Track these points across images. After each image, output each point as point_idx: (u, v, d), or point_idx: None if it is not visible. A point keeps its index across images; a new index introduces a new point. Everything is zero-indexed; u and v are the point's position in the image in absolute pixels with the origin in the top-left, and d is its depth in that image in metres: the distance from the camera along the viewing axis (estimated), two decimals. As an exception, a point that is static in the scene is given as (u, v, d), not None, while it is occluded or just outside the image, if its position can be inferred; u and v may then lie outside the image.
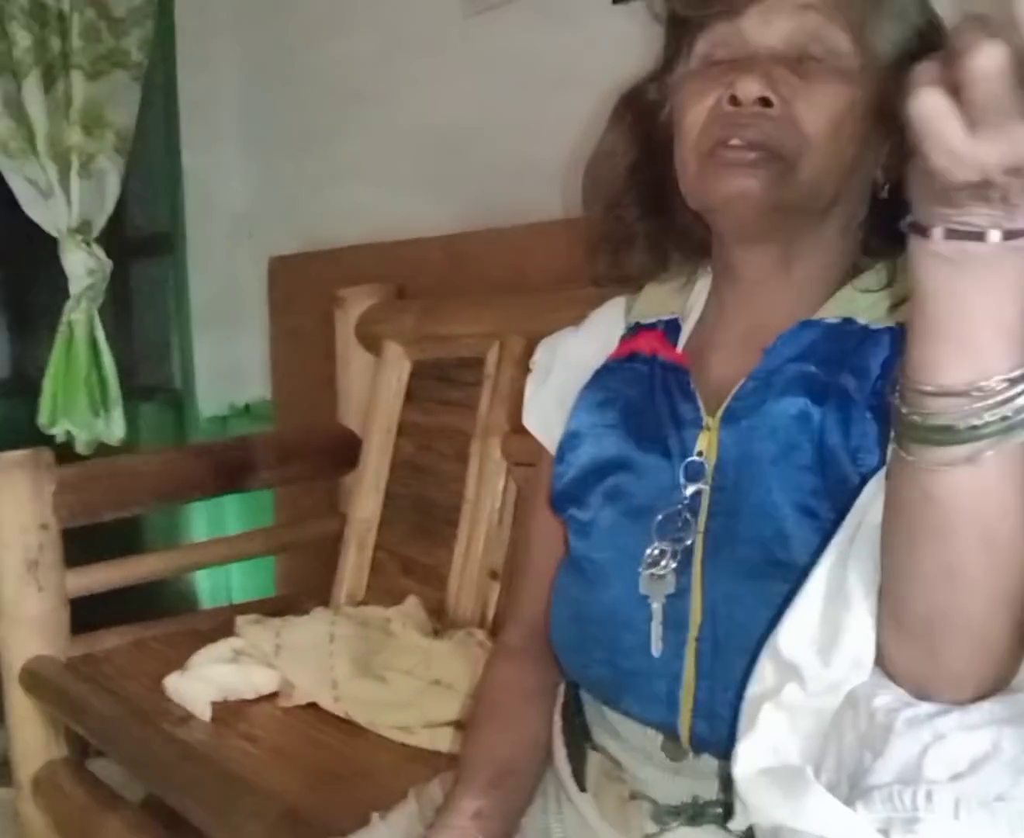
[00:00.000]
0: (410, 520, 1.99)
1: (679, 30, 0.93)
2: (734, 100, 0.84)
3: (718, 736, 0.83)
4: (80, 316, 2.67)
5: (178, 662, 1.68)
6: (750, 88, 0.83)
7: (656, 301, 1.02)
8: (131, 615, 2.03)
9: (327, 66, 2.42)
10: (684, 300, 1.01)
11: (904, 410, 0.65)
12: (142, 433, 3.06)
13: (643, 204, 1.00)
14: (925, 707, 0.66)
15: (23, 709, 1.86)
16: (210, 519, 2.78)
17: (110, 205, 2.69)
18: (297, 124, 2.57)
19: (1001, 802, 0.61)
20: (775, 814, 0.69)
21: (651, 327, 1.00)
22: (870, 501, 0.73)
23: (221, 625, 1.85)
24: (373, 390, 2.08)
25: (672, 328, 0.99)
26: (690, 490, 0.88)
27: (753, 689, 0.75)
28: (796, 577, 0.78)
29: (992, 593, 0.66)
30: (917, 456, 0.65)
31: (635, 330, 1.02)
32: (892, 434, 0.69)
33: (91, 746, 1.89)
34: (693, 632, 0.85)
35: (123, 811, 1.71)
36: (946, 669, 0.68)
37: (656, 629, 0.87)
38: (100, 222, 2.69)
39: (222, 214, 2.77)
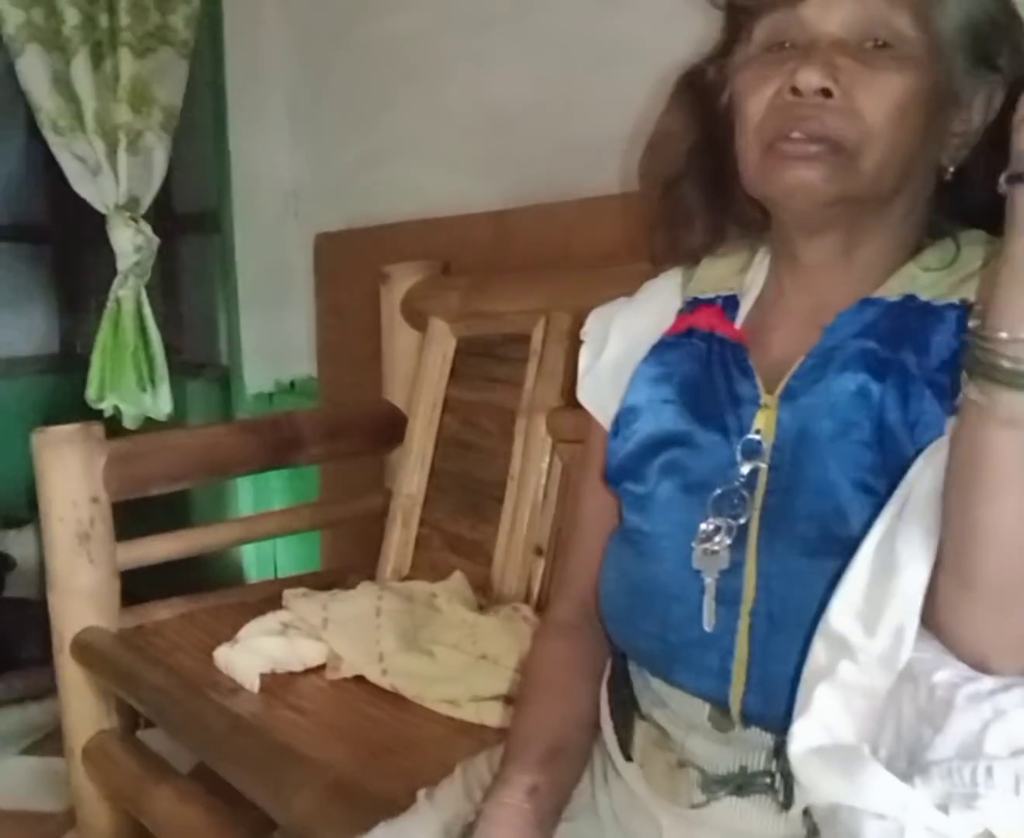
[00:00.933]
0: (455, 496, 1.99)
1: (738, 14, 0.92)
2: (795, 91, 0.83)
3: (770, 710, 0.83)
4: (128, 292, 2.69)
5: (227, 634, 1.70)
6: (811, 79, 0.82)
7: (715, 276, 1.02)
8: (179, 588, 2.05)
9: (375, 43, 2.42)
10: (743, 277, 1.00)
11: (1005, 361, 0.66)
12: (189, 409, 3.09)
13: (702, 185, 0.99)
14: (987, 682, 0.65)
15: (75, 679, 1.89)
16: (257, 494, 2.80)
17: (157, 182, 2.71)
18: (345, 101, 2.57)
19: (1062, 779, 0.61)
20: (832, 792, 0.69)
21: (710, 302, 1.00)
22: (918, 474, 0.73)
23: (269, 598, 1.87)
24: (418, 367, 2.08)
25: (731, 304, 0.98)
26: (747, 468, 0.88)
27: (808, 669, 0.75)
28: (854, 553, 0.78)
29: None
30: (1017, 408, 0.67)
31: (693, 305, 1.01)
32: (970, 391, 0.70)
33: (141, 716, 1.91)
34: (746, 607, 0.85)
35: (173, 781, 1.74)
36: (1018, 633, 0.68)
37: (709, 604, 0.87)
38: (147, 199, 2.70)
39: (269, 191, 2.77)
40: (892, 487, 0.79)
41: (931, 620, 0.71)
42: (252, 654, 1.63)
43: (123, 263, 2.68)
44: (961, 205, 0.90)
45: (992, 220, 0.89)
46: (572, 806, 0.99)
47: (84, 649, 1.86)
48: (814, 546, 0.82)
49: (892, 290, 0.87)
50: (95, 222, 2.73)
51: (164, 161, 2.69)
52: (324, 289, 2.67)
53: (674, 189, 1.01)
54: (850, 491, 0.81)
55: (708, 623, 0.87)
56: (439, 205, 2.24)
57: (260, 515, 2.43)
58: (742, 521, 0.87)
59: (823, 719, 0.71)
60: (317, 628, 1.67)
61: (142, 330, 2.73)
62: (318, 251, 2.66)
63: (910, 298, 0.86)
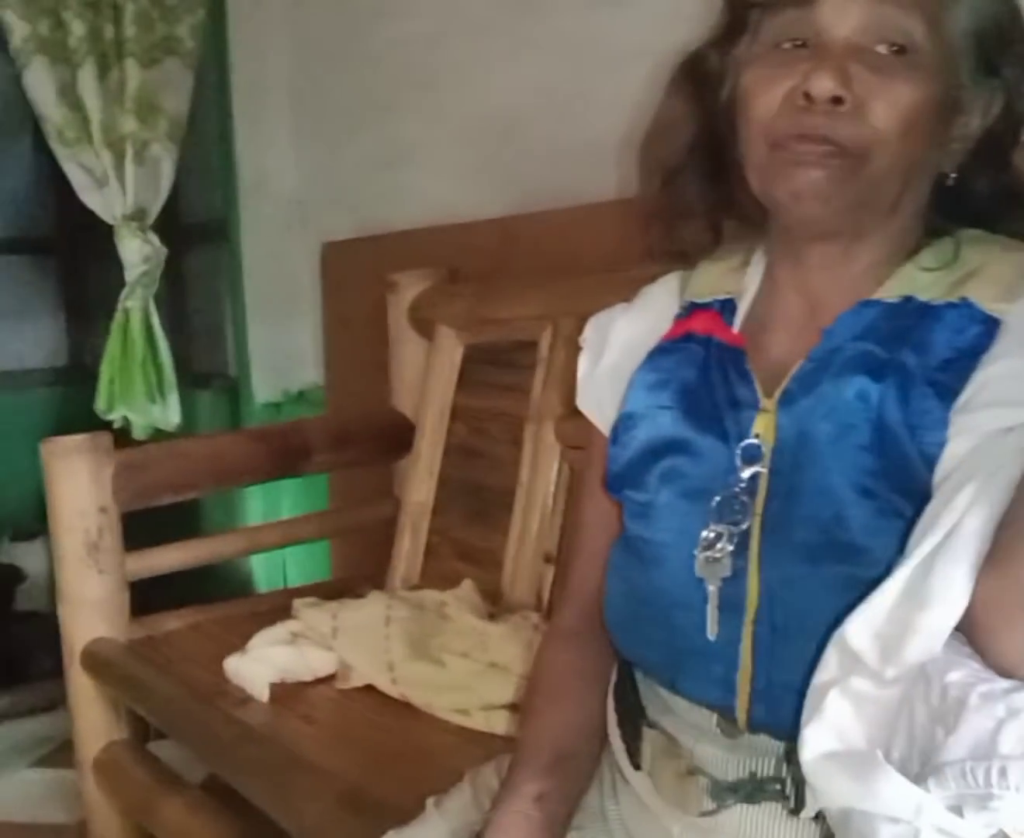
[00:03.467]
0: (464, 504, 1.99)
1: (748, 6, 0.90)
2: (807, 96, 0.82)
3: (776, 718, 0.82)
4: (136, 303, 2.70)
5: (236, 644, 1.70)
6: (825, 86, 0.81)
7: (711, 280, 1.01)
8: (188, 598, 2.05)
9: (379, 50, 2.42)
10: (740, 280, 0.99)
11: None
12: (198, 420, 3.09)
13: (702, 179, 0.98)
14: (1000, 682, 0.64)
15: (85, 691, 1.89)
16: (266, 503, 2.80)
17: (164, 192, 2.72)
18: (350, 109, 2.57)
19: (1077, 779, 0.60)
20: (844, 797, 0.69)
21: (706, 307, 0.99)
22: (968, 504, 0.71)
23: (278, 608, 1.86)
24: (426, 374, 2.08)
25: (728, 308, 0.98)
26: (747, 473, 0.87)
27: (819, 677, 0.74)
28: (856, 558, 0.78)
29: None
30: None
31: (690, 310, 1.00)
32: None
33: (152, 727, 1.91)
34: (750, 615, 0.84)
35: (184, 792, 1.74)
36: None
37: (712, 612, 0.86)
38: (155, 209, 2.71)
39: (275, 200, 2.78)
40: (895, 490, 0.78)
41: (972, 620, 0.69)
42: (262, 664, 1.63)
43: (131, 274, 2.69)
44: (958, 204, 0.89)
45: (989, 218, 0.89)
46: (581, 815, 0.98)
47: (94, 660, 1.86)
48: (815, 552, 0.81)
49: (891, 291, 0.86)
50: (102, 233, 2.74)
51: (171, 171, 2.70)
52: (331, 298, 2.67)
53: (673, 181, 0.99)
54: (850, 495, 0.80)
55: (711, 632, 0.86)
56: (445, 212, 2.24)
57: (269, 524, 2.43)
58: (744, 527, 0.86)
59: (835, 725, 0.70)
60: (326, 637, 1.66)
61: (150, 341, 2.74)
62: (325, 260, 2.66)
63: (908, 299, 0.85)
